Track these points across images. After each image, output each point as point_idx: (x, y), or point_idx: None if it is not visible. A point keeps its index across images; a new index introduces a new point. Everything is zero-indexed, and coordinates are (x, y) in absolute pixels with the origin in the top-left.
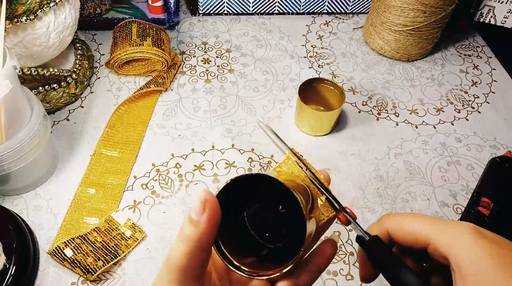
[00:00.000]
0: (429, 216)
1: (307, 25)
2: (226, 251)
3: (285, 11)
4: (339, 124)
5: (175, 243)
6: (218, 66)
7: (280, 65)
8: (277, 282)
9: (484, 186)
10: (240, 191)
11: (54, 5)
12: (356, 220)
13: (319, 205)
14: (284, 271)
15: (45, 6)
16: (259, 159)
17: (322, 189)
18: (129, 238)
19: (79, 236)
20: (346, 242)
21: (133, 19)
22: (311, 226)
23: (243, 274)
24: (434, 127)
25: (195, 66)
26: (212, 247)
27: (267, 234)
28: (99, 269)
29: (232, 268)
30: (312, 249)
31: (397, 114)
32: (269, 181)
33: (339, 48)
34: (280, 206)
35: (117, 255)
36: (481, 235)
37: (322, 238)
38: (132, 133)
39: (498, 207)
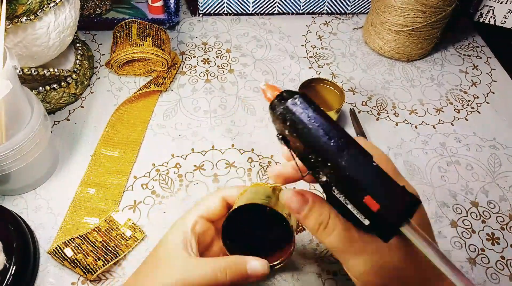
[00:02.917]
0: None
1: (307, 25)
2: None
3: (285, 11)
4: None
5: (218, 269)
6: (218, 66)
7: (280, 65)
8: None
9: None
10: (244, 209)
11: (54, 5)
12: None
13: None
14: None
15: (45, 6)
16: (259, 159)
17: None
18: (129, 238)
19: (79, 236)
20: None
21: (133, 19)
22: (293, 221)
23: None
24: (434, 127)
25: (195, 66)
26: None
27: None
28: (99, 269)
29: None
30: None
31: (396, 114)
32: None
33: (339, 48)
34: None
35: (117, 255)
36: None
37: None
38: (132, 133)
39: None
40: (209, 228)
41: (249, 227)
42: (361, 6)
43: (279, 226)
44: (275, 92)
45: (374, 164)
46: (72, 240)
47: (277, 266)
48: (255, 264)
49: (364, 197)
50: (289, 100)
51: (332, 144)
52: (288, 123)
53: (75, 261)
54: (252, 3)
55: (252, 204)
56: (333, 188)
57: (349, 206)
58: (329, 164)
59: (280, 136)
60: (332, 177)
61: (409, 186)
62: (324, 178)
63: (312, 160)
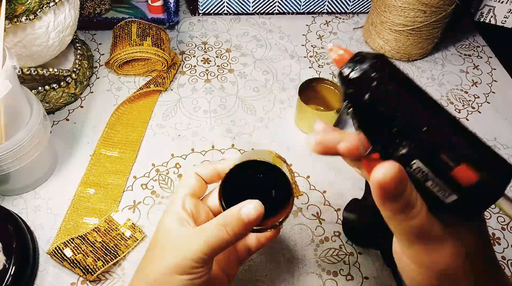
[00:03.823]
0: None
1: (307, 25)
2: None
3: (285, 11)
4: (339, 124)
5: (217, 229)
6: (218, 66)
7: (280, 65)
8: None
9: None
10: (242, 167)
11: (53, 5)
12: None
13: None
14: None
15: (45, 6)
16: None
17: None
18: (129, 238)
19: (79, 236)
20: (346, 242)
21: (133, 19)
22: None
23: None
24: None
25: (195, 66)
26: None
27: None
28: (99, 269)
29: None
30: None
31: None
32: (261, 163)
33: None
34: (268, 176)
35: (117, 255)
36: None
37: None
38: (132, 133)
39: None
40: (199, 204)
41: (246, 187)
42: (362, 5)
43: (276, 183)
44: (348, 53)
45: (469, 130)
46: (71, 240)
47: (281, 223)
48: (248, 209)
49: (454, 168)
50: (373, 59)
51: (422, 109)
52: (372, 84)
53: (75, 261)
54: (252, 2)
55: (247, 163)
56: (413, 162)
57: (428, 183)
58: (415, 133)
59: (349, 106)
60: (417, 148)
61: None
62: (404, 151)
63: (393, 131)
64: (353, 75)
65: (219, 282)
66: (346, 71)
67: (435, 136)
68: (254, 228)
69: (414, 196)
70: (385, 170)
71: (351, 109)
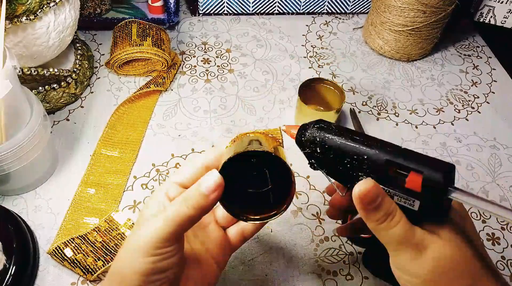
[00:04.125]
0: None
1: (307, 25)
2: (229, 205)
3: (285, 11)
4: (339, 124)
5: (178, 204)
6: (218, 66)
7: (280, 65)
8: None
9: None
10: (236, 159)
11: (54, 5)
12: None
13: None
14: (284, 207)
15: (45, 6)
16: None
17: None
18: None
19: (79, 236)
20: (346, 242)
21: (133, 19)
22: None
23: (246, 220)
24: (434, 127)
25: (195, 66)
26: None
27: (258, 187)
28: (99, 269)
29: (240, 218)
30: None
31: (397, 114)
32: (258, 153)
33: (339, 48)
34: (267, 167)
35: None
36: None
37: None
38: (132, 133)
39: None
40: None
41: (244, 179)
42: (361, 6)
43: (275, 172)
44: (296, 128)
45: (402, 147)
46: (72, 240)
47: (281, 213)
48: (207, 180)
49: (405, 179)
50: (313, 125)
51: (360, 143)
52: (320, 143)
53: (75, 261)
54: (252, 3)
55: (243, 153)
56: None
57: (395, 198)
58: (365, 156)
59: (313, 161)
60: (371, 170)
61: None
62: (365, 177)
63: (348, 165)
64: (305, 139)
65: (206, 269)
66: (300, 137)
67: (378, 161)
68: (259, 217)
69: (392, 207)
70: (362, 185)
71: (314, 164)
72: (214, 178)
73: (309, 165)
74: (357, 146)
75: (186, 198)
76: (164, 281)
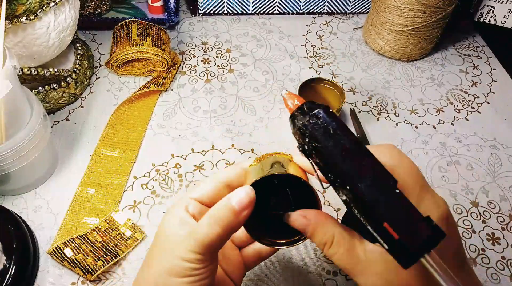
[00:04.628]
0: None
1: (307, 25)
2: (251, 229)
3: (285, 11)
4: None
5: (208, 224)
6: (218, 66)
7: (280, 65)
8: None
9: None
10: (262, 182)
11: (54, 5)
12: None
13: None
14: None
15: (45, 6)
16: None
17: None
18: (129, 238)
19: (79, 236)
20: None
21: (133, 19)
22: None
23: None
24: (434, 127)
25: (195, 66)
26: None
27: (281, 210)
28: (99, 269)
29: (263, 242)
30: None
31: (397, 114)
32: (282, 177)
33: (339, 48)
34: (289, 189)
35: (117, 255)
36: None
37: None
38: (132, 133)
39: None
40: (206, 211)
41: (267, 202)
42: (361, 6)
43: (300, 194)
44: (296, 103)
45: (397, 191)
46: (72, 240)
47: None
48: (238, 195)
49: (383, 223)
50: (310, 114)
51: (351, 166)
52: (307, 139)
53: (75, 261)
54: (252, 3)
55: (267, 177)
56: (352, 208)
57: (369, 227)
58: (347, 187)
59: (301, 148)
60: (350, 199)
61: (437, 196)
62: (343, 197)
63: (331, 179)
64: (296, 124)
65: None
66: (292, 119)
67: (365, 196)
68: (285, 241)
69: (329, 237)
70: (289, 218)
71: (302, 152)
72: (246, 191)
73: (297, 147)
74: (347, 168)
75: (215, 216)
76: None
